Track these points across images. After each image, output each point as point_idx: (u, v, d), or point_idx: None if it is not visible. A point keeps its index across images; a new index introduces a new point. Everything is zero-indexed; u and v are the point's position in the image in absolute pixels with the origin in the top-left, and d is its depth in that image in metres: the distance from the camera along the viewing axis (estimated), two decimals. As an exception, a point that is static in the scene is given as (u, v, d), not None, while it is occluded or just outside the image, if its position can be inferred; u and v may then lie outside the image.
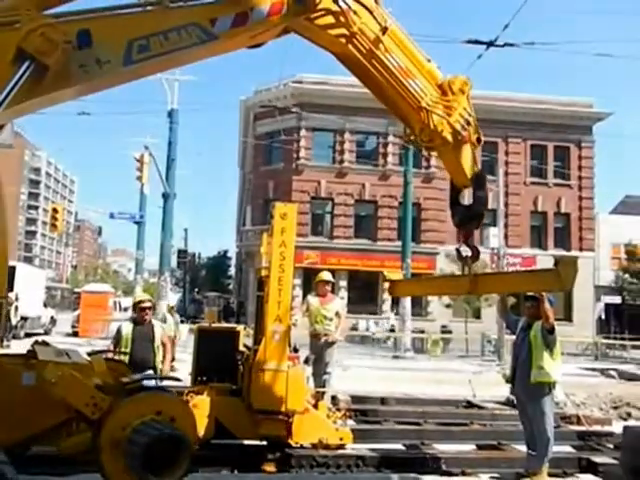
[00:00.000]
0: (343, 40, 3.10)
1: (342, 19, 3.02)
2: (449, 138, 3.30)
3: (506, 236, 20.08)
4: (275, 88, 24.21)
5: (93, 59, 2.52)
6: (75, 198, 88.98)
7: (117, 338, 4.80)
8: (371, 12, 3.11)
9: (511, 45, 8.56)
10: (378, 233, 23.82)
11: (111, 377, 3.12)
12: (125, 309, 22.36)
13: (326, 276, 6.43)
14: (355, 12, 3.05)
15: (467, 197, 3.57)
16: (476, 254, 3.55)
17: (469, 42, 8.70)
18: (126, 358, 4.42)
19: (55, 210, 17.33)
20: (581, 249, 24.91)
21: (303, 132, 23.91)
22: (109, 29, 2.59)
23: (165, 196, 14.90)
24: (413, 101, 3.26)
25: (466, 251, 3.59)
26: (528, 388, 4.31)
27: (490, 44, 8.39)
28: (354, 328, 20.12)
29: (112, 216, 19.21)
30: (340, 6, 3.00)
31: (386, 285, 4.10)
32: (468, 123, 3.33)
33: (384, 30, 3.13)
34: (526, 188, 25.17)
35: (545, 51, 19.25)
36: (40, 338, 3.55)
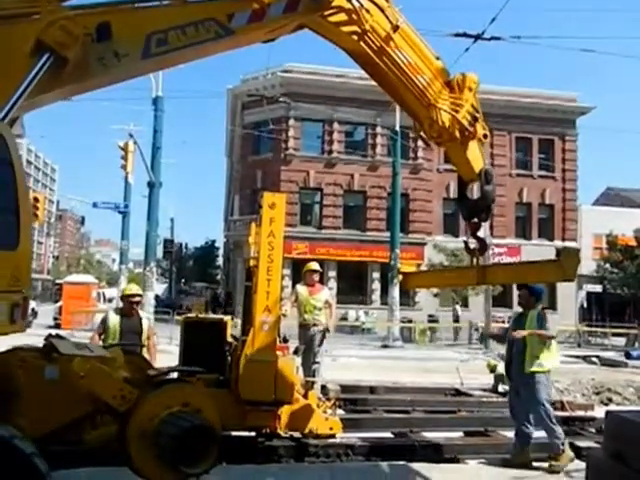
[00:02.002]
0: (355, 37, 3.17)
1: (354, 17, 3.10)
2: (457, 134, 3.39)
3: (492, 226, 20.34)
4: (263, 77, 23.86)
5: (112, 52, 2.55)
6: (56, 187, 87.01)
7: (103, 329, 4.64)
8: (382, 10, 3.19)
9: (498, 39, 8.64)
10: (367, 223, 23.85)
11: (130, 369, 3.08)
12: (109, 300, 22.05)
13: (314, 266, 6.45)
14: (367, 10, 3.13)
15: (471, 191, 3.67)
16: (484, 246, 3.66)
17: (457, 35, 8.72)
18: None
19: (36, 199, 16.79)
20: (564, 239, 25.40)
21: (291, 122, 23.67)
22: (129, 22, 2.60)
23: (150, 185, 14.61)
24: (422, 98, 3.34)
25: (474, 243, 3.69)
26: (524, 378, 4.39)
27: (477, 37, 8.45)
28: (344, 318, 20.21)
29: (95, 205, 18.80)
30: (353, 4, 3.08)
31: (399, 277, 4.17)
32: (475, 119, 3.42)
33: (395, 28, 3.20)
34: (511, 180, 25.49)
35: (531, 45, 19.49)
36: (54, 331, 3.51)
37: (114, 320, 4.59)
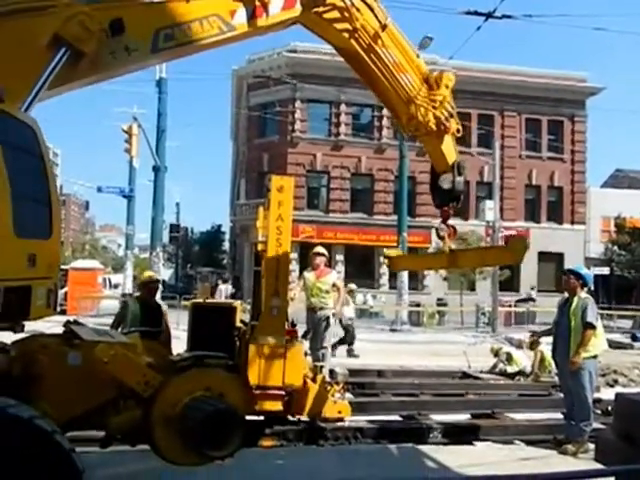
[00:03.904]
0: (346, 35, 3.34)
1: (346, 14, 3.28)
2: (433, 128, 3.65)
3: (501, 209, 20.09)
4: (269, 57, 23.44)
5: (122, 46, 2.67)
6: (59, 171, 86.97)
7: (123, 315, 4.54)
8: (372, 9, 3.37)
9: (509, 17, 8.52)
10: (374, 207, 23.71)
11: (151, 355, 3.10)
12: (115, 286, 22.18)
13: (319, 249, 6.55)
14: (358, 9, 3.31)
15: (443, 181, 3.97)
16: (453, 233, 4.01)
17: (468, 13, 8.58)
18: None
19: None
20: (572, 222, 25.15)
21: (298, 103, 23.34)
22: (140, 18, 2.72)
23: (155, 169, 14.55)
24: (403, 94, 3.58)
25: (443, 230, 4.06)
26: (569, 363, 4.40)
27: (489, 16, 8.36)
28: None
29: (100, 190, 18.80)
30: (345, 2, 3.26)
31: (385, 261, 4.62)
32: (451, 115, 3.68)
33: (383, 27, 3.39)
34: (521, 162, 25.14)
35: (542, 24, 18.91)
36: (71, 318, 3.56)
37: (134, 308, 4.52)
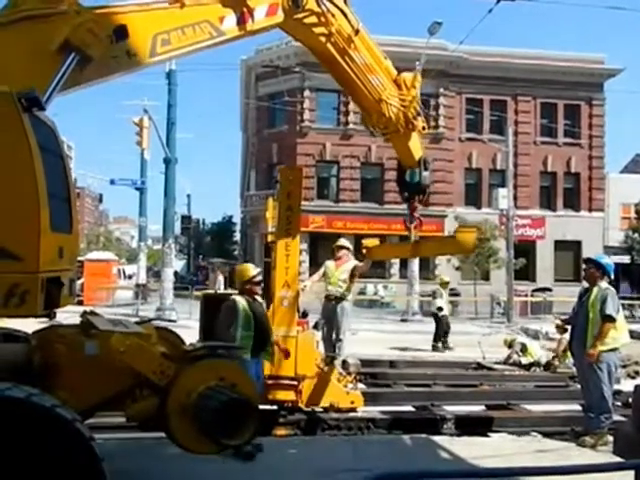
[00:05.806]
0: (323, 39, 3.58)
1: (322, 19, 3.51)
2: (402, 126, 3.89)
3: (515, 197, 19.72)
4: (277, 47, 23.19)
5: (124, 51, 2.88)
6: (73, 164, 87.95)
7: (235, 315, 4.03)
8: (345, 15, 3.60)
9: None
10: (385, 196, 23.46)
11: (165, 345, 3.13)
12: (129, 276, 22.45)
13: (341, 242, 6.65)
14: (333, 14, 3.53)
15: (410, 176, 4.23)
16: (420, 224, 4.35)
17: (479, -5, 8.28)
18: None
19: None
20: (590, 209, 24.56)
21: (307, 93, 23.11)
22: (140, 24, 2.93)
23: (166, 161, 14.59)
24: (375, 93, 3.80)
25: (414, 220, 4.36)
26: (585, 355, 4.30)
27: None
28: (362, 292, 20.22)
29: (113, 182, 19.02)
30: (321, 8, 3.50)
31: (364, 251, 4.81)
32: (418, 114, 3.93)
33: (356, 32, 3.64)
34: (536, 148, 24.53)
35: (556, 4, 17.90)
36: (88, 308, 3.67)
37: (244, 306, 4.10)
